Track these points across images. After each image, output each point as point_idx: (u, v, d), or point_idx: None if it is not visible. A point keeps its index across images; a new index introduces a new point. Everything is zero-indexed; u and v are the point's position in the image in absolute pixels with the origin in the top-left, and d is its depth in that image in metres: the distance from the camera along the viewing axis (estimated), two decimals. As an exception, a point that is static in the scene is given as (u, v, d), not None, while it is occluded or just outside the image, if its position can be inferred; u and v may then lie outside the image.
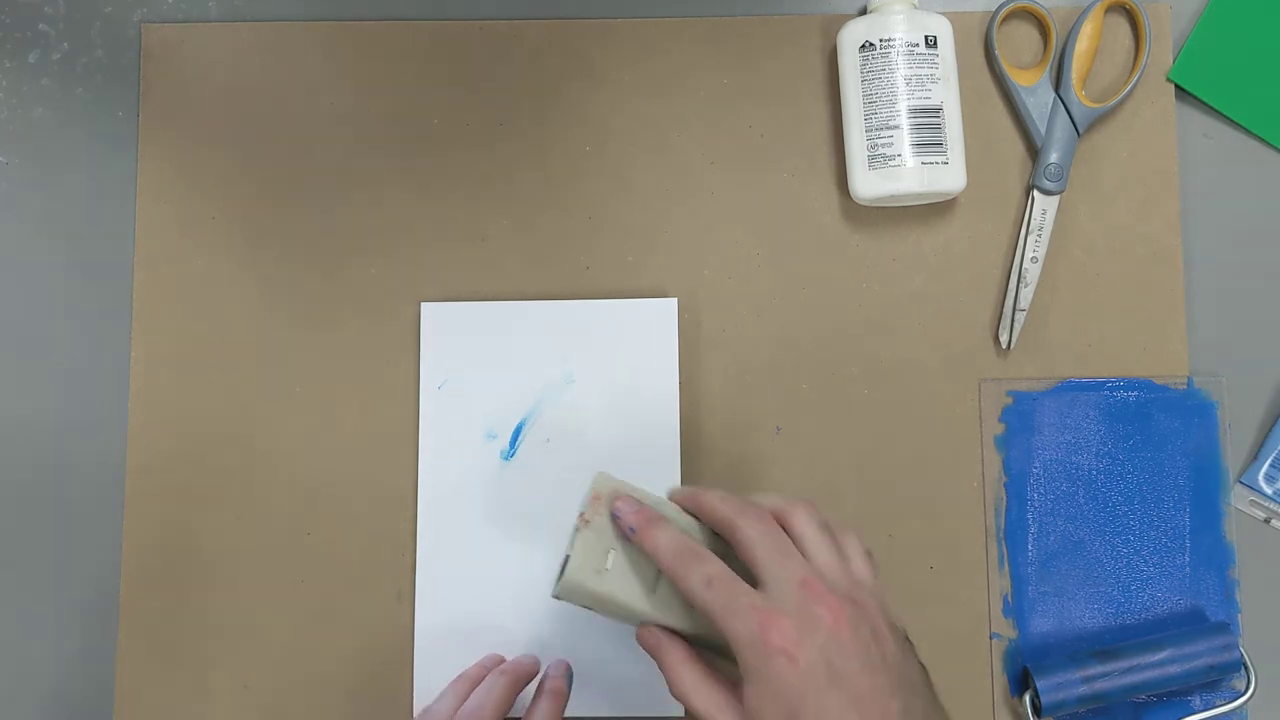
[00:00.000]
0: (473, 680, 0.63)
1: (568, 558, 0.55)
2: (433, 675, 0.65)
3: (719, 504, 0.54)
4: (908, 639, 0.53)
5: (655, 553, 0.54)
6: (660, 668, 0.54)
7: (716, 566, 0.52)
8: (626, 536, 0.55)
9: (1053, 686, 0.62)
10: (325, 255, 0.69)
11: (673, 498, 0.57)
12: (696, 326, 0.68)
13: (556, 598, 0.56)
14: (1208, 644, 0.63)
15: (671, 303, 0.68)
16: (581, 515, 0.55)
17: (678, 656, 0.54)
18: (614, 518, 0.55)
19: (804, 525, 0.54)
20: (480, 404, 0.67)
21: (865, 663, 0.50)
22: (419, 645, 0.65)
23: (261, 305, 0.69)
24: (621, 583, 0.55)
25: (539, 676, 0.64)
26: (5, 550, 0.67)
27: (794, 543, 0.53)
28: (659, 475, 0.65)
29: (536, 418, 0.67)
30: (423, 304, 0.68)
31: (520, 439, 0.67)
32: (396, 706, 0.65)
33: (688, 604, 0.54)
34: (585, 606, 0.56)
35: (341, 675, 0.66)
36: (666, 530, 0.54)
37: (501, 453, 0.67)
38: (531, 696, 0.62)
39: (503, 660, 0.65)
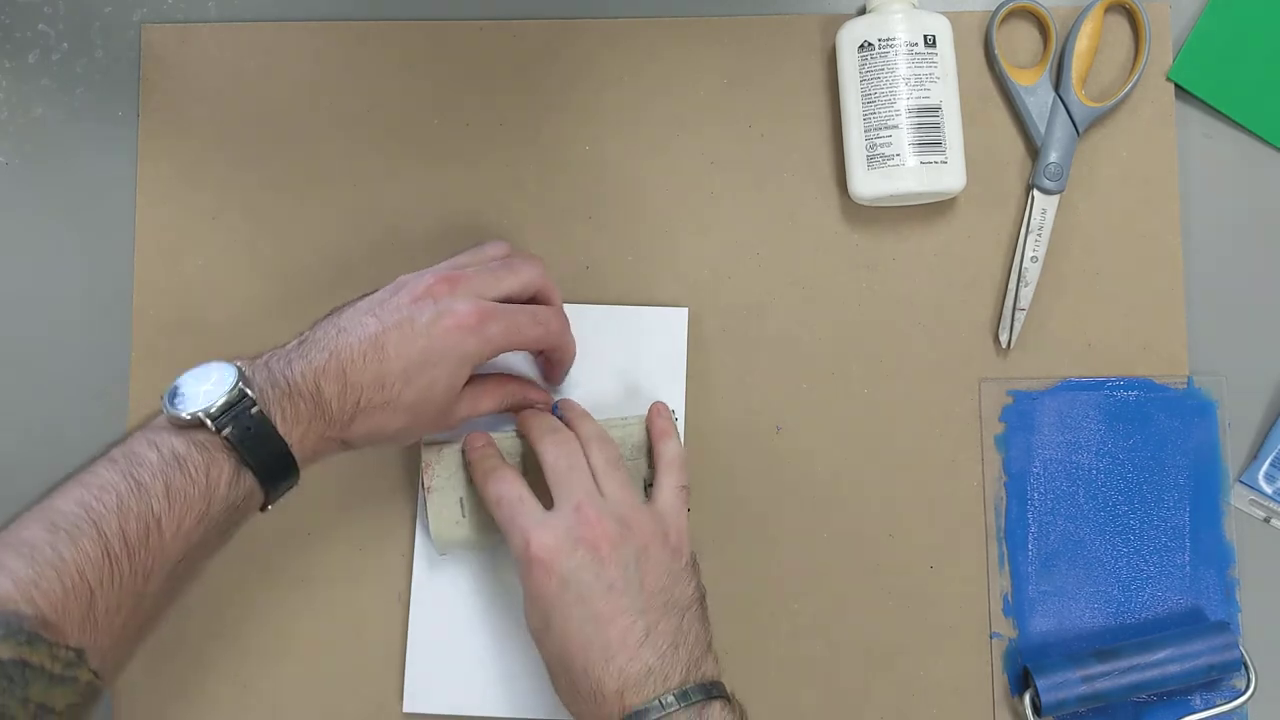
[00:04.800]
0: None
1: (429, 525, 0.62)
2: (424, 675, 0.65)
3: (531, 428, 0.61)
4: (692, 562, 0.58)
5: (474, 484, 0.61)
6: (483, 487, 0.60)
7: (507, 488, 0.58)
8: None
9: (1053, 686, 0.62)
10: (325, 255, 0.69)
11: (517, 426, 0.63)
12: (697, 327, 0.68)
13: (442, 554, 0.64)
14: (1208, 643, 0.63)
15: (682, 312, 0.67)
16: (422, 485, 0.62)
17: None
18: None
19: (595, 457, 0.59)
20: None
21: (617, 583, 0.54)
22: (412, 645, 0.65)
23: (261, 305, 0.69)
24: (478, 519, 0.62)
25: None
26: (5, 550, 0.67)
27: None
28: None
29: None
30: None
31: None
32: (395, 707, 0.65)
33: None
34: (466, 549, 0.64)
35: (341, 675, 0.66)
36: (479, 466, 0.60)
37: None
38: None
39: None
